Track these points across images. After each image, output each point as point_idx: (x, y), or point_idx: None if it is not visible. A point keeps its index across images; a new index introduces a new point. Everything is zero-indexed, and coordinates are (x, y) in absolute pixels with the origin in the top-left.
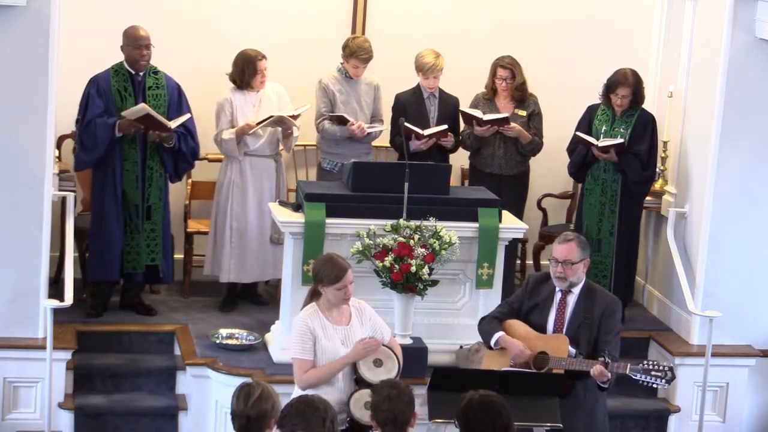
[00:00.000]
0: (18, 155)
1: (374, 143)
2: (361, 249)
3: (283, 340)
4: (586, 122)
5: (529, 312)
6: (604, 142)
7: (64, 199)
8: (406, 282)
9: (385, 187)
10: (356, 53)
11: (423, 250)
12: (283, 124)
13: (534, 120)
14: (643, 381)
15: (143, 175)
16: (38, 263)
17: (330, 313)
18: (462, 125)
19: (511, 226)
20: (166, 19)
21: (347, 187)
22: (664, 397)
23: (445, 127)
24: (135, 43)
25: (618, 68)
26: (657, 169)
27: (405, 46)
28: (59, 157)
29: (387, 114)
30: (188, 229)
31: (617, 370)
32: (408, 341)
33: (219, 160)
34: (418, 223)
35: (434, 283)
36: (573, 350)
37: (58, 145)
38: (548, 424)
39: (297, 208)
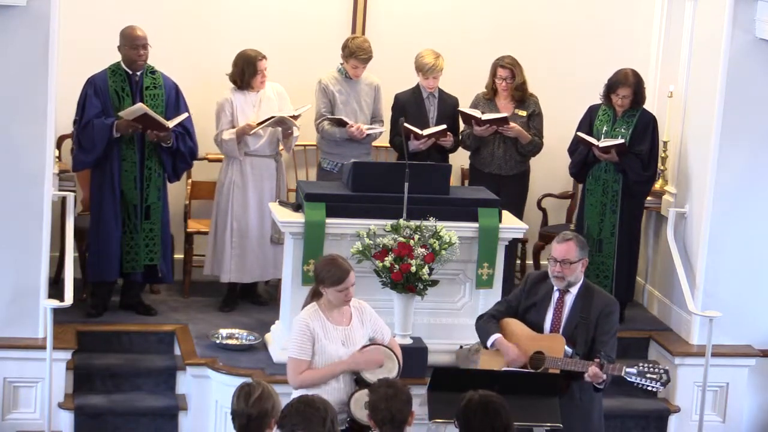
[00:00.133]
0: (18, 155)
1: (374, 143)
2: (361, 249)
3: (283, 340)
4: (587, 122)
5: (527, 311)
6: (604, 143)
7: (64, 199)
8: (406, 282)
9: (385, 187)
10: (355, 53)
11: (423, 250)
12: (283, 124)
13: (534, 120)
14: (637, 383)
15: (141, 175)
16: (38, 263)
17: (331, 314)
18: (462, 125)
19: (511, 226)
20: (166, 19)
21: (347, 187)
22: (664, 397)
23: (444, 127)
24: (132, 42)
25: (619, 68)
26: (657, 169)
27: (405, 46)
28: (59, 157)
29: (387, 114)
30: (188, 229)
31: (612, 371)
32: (408, 341)
33: (219, 160)
34: (418, 223)
35: (434, 283)
36: (570, 350)
37: (58, 145)
38: (548, 424)
39: (297, 208)
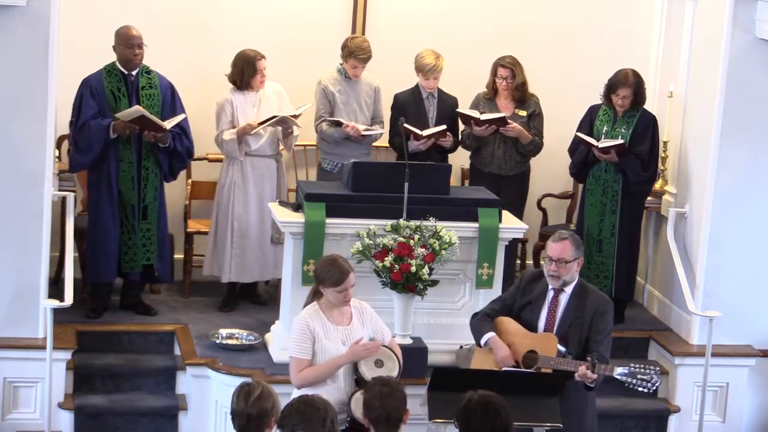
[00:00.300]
0: (18, 155)
1: (374, 143)
2: (361, 249)
3: (283, 340)
4: (588, 122)
5: (522, 309)
6: (604, 143)
7: (64, 199)
8: (406, 282)
9: (385, 187)
10: (355, 53)
11: (423, 250)
12: (284, 124)
13: (534, 120)
14: (628, 384)
15: (139, 175)
16: (38, 263)
17: (331, 313)
18: (461, 125)
19: (511, 226)
20: (165, 19)
21: (347, 187)
22: (664, 397)
23: (443, 127)
24: (127, 42)
25: (619, 68)
26: (657, 169)
27: (405, 46)
28: (59, 157)
29: (387, 114)
30: (188, 229)
31: (604, 372)
32: (408, 341)
33: (219, 160)
34: (418, 223)
35: (434, 283)
36: (563, 349)
37: (58, 145)
38: (548, 424)
39: (297, 208)
